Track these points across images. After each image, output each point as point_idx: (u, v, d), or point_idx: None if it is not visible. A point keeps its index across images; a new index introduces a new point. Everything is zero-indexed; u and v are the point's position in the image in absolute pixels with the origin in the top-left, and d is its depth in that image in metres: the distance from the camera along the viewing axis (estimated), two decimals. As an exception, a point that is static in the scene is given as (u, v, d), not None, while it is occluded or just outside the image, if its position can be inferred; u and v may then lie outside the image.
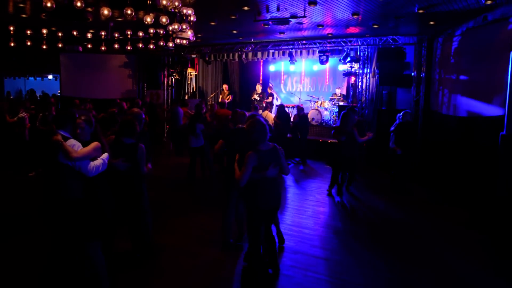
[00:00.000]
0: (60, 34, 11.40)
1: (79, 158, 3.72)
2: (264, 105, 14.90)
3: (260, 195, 4.06)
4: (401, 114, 8.69)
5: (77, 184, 3.81)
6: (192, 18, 8.08)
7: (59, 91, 17.17)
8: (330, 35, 12.32)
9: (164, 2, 6.99)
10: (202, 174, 9.29)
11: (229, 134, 5.33)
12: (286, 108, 15.10)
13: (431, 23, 10.04)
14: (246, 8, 8.84)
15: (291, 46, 13.49)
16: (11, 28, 10.65)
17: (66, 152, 3.70)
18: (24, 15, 9.98)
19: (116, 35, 11.01)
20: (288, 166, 4.18)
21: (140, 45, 10.75)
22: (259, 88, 15.43)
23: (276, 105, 13.71)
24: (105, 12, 6.74)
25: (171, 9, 7.41)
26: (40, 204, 3.79)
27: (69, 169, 3.75)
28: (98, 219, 3.92)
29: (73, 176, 3.78)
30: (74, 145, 3.78)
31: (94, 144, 3.90)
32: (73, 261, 3.92)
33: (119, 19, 9.81)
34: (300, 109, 11.84)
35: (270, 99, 15.17)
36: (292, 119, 12.41)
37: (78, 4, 6.52)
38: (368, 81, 12.67)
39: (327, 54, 12.98)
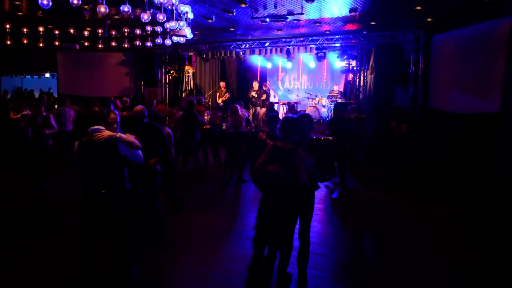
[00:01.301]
0: (57, 32, 11.36)
1: (140, 146, 3.91)
2: (260, 102, 14.92)
3: (265, 191, 4.13)
4: None
5: (126, 174, 3.96)
6: (189, 16, 8.07)
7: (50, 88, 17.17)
8: (327, 32, 12.32)
9: (161, 0, 6.98)
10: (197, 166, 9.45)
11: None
12: (284, 106, 15.17)
13: (429, 19, 10.05)
14: (243, 5, 8.83)
15: (289, 43, 13.48)
16: (8, 26, 10.62)
17: (130, 142, 3.85)
18: (20, 13, 9.94)
19: (113, 32, 10.99)
20: (304, 176, 3.81)
21: (137, 43, 10.73)
22: (256, 85, 15.40)
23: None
24: (102, 9, 6.72)
25: (168, 6, 7.40)
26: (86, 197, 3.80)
27: (125, 160, 3.87)
28: (139, 205, 4.13)
29: (126, 167, 3.93)
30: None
31: (129, 135, 4.02)
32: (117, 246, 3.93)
33: (116, 17, 9.79)
34: (291, 106, 11.64)
35: (264, 96, 15.11)
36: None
37: (75, 1, 6.50)
38: (365, 78, 12.68)
39: (325, 51, 12.98)
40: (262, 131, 5.19)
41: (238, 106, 8.62)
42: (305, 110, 13.73)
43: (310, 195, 4.29)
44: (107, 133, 3.80)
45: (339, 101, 13.61)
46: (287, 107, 12.58)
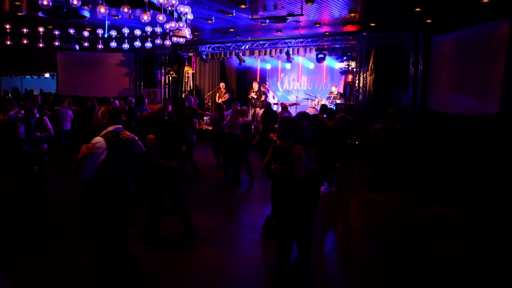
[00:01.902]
0: (56, 33, 11.35)
1: (144, 152, 3.97)
2: (259, 103, 14.91)
3: (271, 188, 4.20)
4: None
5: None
6: (189, 16, 8.07)
7: (55, 90, 17.16)
8: (327, 33, 12.33)
9: (161, 0, 6.98)
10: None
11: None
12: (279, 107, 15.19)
13: (428, 21, 10.06)
14: (243, 6, 8.84)
15: (288, 44, 13.49)
16: (8, 26, 10.60)
17: (140, 146, 3.90)
18: (20, 13, 9.95)
19: (113, 33, 10.97)
20: (301, 171, 3.85)
21: (137, 44, 10.72)
22: (255, 86, 15.42)
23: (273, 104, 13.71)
24: (102, 10, 6.72)
25: (168, 7, 7.40)
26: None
27: None
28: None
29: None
30: None
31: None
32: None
33: (116, 17, 9.79)
34: (283, 107, 11.54)
35: (263, 97, 15.13)
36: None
37: (75, 2, 6.50)
38: (365, 79, 12.69)
39: (324, 52, 12.99)
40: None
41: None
42: (302, 111, 13.73)
43: (313, 193, 4.28)
44: (128, 133, 3.78)
45: (338, 102, 13.64)
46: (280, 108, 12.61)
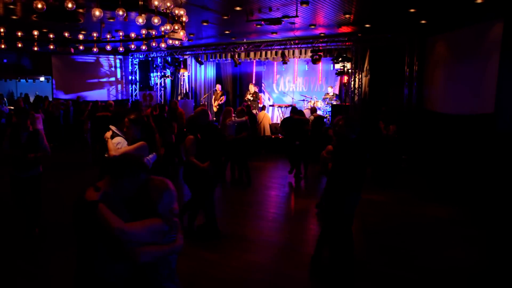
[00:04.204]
0: (51, 36, 11.31)
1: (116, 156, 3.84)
2: (255, 105, 14.94)
3: None
4: None
5: None
6: (184, 19, 8.06)
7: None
8: (322, 34, 12.36)
9: (156, 3, 6.97)
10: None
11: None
12: (279, 109, 15.21)
13: (423, 22, 10.12)
14: (238, 8, 8.85)
15: (284, 46, 13.51)
16: (2, 30, 10.55)
17: (108, 148, 3.88)
18: (14, 17, 9.91)
19: (108, 36, 10.96)
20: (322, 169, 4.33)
21: (132, 46, 10.70)
22: (252, 88, 15.40)
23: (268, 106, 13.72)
24: (97, 13, 6.70)
25: (163, 9, 7.39)
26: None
27: None
28: None
29: None
30: (119, 143, 3.87)
31: (139, 143, 3.91)
32: None
33: (111, 20, 9.78)
34: (248, 106, 11.68)
35: (260, 99, 15.18)
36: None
37: (69, 5, 6.47)
38: (360, 80, 12.72)
39: (320, 53, 13.02)
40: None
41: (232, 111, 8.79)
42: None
43: (341, 193, 4.37)
44: (107, 134, 4.24)
45: (334, 103, 13.67)
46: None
